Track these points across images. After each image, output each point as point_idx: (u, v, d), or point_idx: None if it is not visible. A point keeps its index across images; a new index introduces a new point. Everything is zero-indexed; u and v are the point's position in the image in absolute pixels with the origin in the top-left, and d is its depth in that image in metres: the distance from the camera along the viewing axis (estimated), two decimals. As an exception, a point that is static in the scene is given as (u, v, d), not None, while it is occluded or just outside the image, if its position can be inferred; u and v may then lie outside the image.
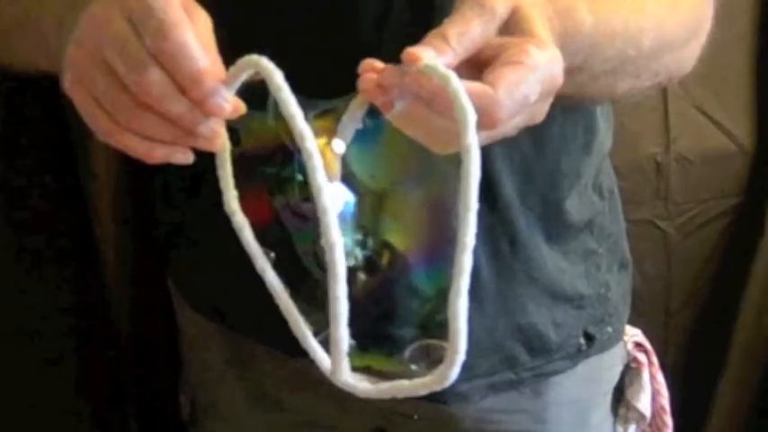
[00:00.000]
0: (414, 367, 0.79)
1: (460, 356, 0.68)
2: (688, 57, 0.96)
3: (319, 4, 0.91)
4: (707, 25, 0.96)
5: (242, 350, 1.07)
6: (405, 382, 0.72)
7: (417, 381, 0.71)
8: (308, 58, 0.86)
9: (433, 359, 0.74)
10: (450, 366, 0.69)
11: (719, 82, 1.55)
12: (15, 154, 1.19)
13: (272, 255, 0.76)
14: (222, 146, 0.74)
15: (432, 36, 0.71)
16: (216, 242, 0.96)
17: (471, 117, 0.67)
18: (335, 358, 0.74)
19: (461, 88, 0.67)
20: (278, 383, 1.07)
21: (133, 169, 1.20)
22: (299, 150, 0.74)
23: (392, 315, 0.94)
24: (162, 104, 0.70)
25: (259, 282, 0.76)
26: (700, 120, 1.58)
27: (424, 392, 0.71)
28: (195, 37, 0.69)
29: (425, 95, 0.68)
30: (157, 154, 0.72)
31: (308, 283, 0.78)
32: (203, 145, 0.73)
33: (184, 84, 0.69)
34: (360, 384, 0.73)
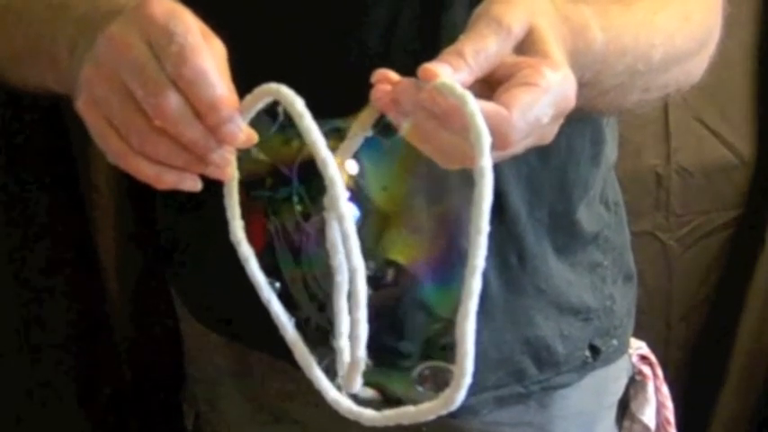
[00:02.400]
0: (420, 389, 0.79)
1: (467, 380, 0.68)
2: (697, 67, 0.96)
3: (326, 20, 0.91)
4: (716, 35, 0.96)
5: (246, 361, 1.07)
6: (411, 409, 0.72)
7: (423, 406, 0.71)
8: (315, 74, 0.86)
9: (439, 382, 0.74)
10: (457, 389, 0.68)
11: (720, 94, 1.55)
12: (16, 165, 1.19)
13: (277, 285, 0.77)
14: (231, 174, 0.74)
15: (447, 53, 0.71)
16: (219, 253, 0.95)
17: (486, 140, 0.67)
18: (350, 375, 0.74)
19: (478, 111, 0.67)
20: (281, 395, 1.06)
21: (134, 181, 1.19)
22: (297, 174, 0.75)
23: (395, 328, 0.94)
24: (177, 129, 0.70)
25: None
26: (700, 131, 1.58)
27: (430, 418, 0.70)
28: (214, 64, 0.70)
29: (439, 113, 0.69)
30: (167, 179, 0.73)
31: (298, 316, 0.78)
32: (213, 173, 0.73)
33: (201, 109, 0.70)
34: (365, 412, 0.74)
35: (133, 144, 0.71)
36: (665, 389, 1.17)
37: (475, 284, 0.67)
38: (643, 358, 1.15)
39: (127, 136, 0.71)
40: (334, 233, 0.72)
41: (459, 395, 0.68)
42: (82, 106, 0.73)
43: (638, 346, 1.15)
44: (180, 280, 1.14)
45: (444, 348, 0.82)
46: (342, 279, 0.73)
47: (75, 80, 0.74)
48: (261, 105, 0.72)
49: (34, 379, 1.22)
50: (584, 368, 1.06)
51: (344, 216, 0.70)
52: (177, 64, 0.69)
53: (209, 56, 0.70)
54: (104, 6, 0.77)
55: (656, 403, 1.17)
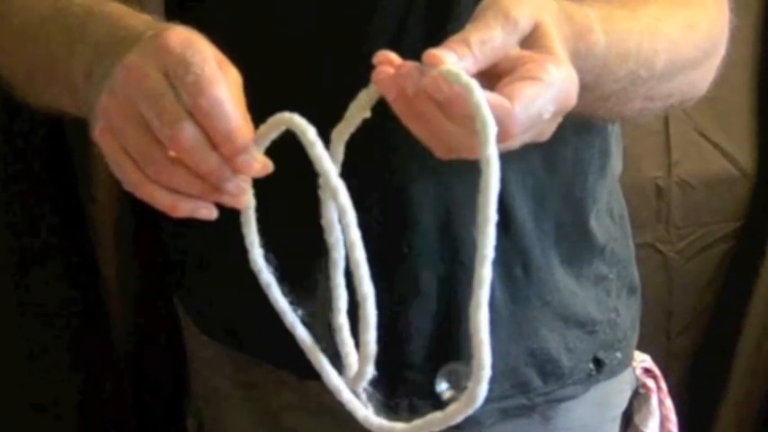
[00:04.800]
0: (439, 389, 0.79)
1: (486, 372, 0.68)
2: (702, 79, 0.96)
3: (331, 30, 0.91)
4: (722, 47, 0.96)
5: (251, 373, 1.07)
6: (438, 414, 0.72)
7: (449, 409, 0.71)
8: (322, 86, 0.86)
9: (460, 384, 0.74)
10: (478, 384, 0.68)
11: (721, 106, 1.55)
12: (17, 178, 1.19)
13: (300, 311, 0.77)
14: (247, 203, 0.75)
15: (453, 40, 0.70)
16: (228, 264, 0.95)
17: (492, 129, 0.66)
18: (356, 382, 0.75)
19: (484, 99, 0.67)
20: (286, 407, 1.06)
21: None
22: None
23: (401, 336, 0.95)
24: (193, 159, 0.70)
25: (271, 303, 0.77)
26: (701, 143, 1.58)
27: (458, 419, 0.70)
28: (229, 94, 0.70)
29: (442, 99, 0.68)
30: (182, 208, 0.73)
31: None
32: (229, 201, 0.74)
33: (217, 140, 0.70)
34: (396, 426, 0.74)
35: (149, 173, 0.72)
36: (668, 402, 1.17)
37: (485, 274, 0.67)
38: (647, 371, 1.15)
39: (143, 165, 0.72)
40: (330, 212, 0.73)
41: (480, 390, 0.68)
42: (98, 135, 0.73)
43: (642, 359, 1.15)
44: (185, 290, 1.13)
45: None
46: (338, 255, 0.74)
47: (91, 106, 0.75)
48: (275, 134, 0.72)
49: (35, 391, 1.21)
50: (588, 381, 1.05)
51: (355, 244, 0.70)
52: (193, 94, 0.70)
53: (224, 86, 0.70)
54: (121, 33, 0.77)
55: (660, 416, 1.16)
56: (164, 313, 1.22)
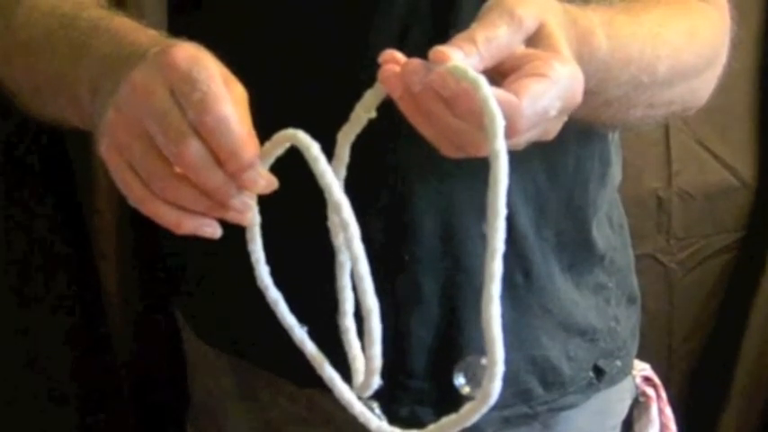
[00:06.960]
0: (458, 383, 0.80)
1: (500, 367, 0.68)
2: (703, 87, 0.96)
3: (334, 37, 0.92)
4: (723, 56, 0.97)
5: (252, 383, 1.06)
6: (452, 417, 0.72)
7: (464, 409, 0.71)
8: (326, 93, 0.86)
9: (476, 378, 0.74)
10: (491, 381, 0.68)
11: (721, 116, 1.55)
12: (18, 189, 1.19)
13: (306, 328, 0.78)
14: (252, 220, 0.75)
15: (459, 38, 0.71)
16: (229, 273, 0.95)
17: (500, 123, 0.67)
18: (362, 390, 0.75)
19: (491, 95, 0.67)
20: (287, 416, 1.06)
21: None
22: None
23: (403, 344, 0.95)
24: (198, 176, 0.71)
25: (272, 312, 0.78)
26: (702, 154, 1.58)
27: (474, 419, 0.70)
28: (234, 111, 0.70)
29: (449, 95, 0.69)
30: (187, 225, 0.74)
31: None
32: (234, 218, 0.74)
33: (222, 156, 0.71)
34: None
35: (154, 189, 0.72)
36: (668, 410, 1.17)
37: (496, 268, 0.67)
38: (647, 380, 1.15)
39: (148, 182, 0.72)
40: (334, 218, 0.73)
41: (494, 386, 0.68)
42: (104, 151, 0.74)
43: (642, 368, 1.15)
44: (186, 301, 1.13)
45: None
46: (344, 258, 0.75)
47: (97, 122, 0.75)
48: (280, 151, 0.73)
49: (34, 400, 1.21)
50: (588, 389, 1.05)
51: (358, 258, 0.71)
52: (199, 112, 0.70)
53: (230, 103, 0.70)
54: (127, 49, 0.78)
55: (660, 425, 1.16)
56: (164, 323, 1.22)
